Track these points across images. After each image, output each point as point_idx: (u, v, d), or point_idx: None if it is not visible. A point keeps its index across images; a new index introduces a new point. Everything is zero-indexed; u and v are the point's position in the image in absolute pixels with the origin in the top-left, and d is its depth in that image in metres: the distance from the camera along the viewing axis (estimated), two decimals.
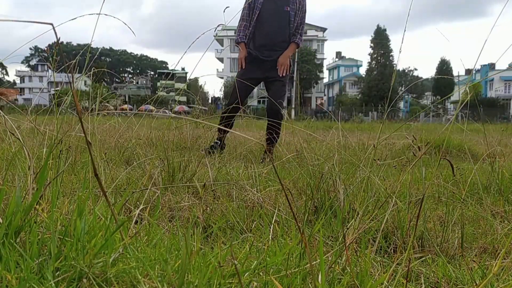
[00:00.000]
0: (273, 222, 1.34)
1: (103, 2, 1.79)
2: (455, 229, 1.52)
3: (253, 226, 1.44)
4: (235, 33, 3.97)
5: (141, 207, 1.01)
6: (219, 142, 3.90)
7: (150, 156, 3.34)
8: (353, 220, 1.31)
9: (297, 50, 4.11)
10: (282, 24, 3.75)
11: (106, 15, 1.62)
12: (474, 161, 4.18)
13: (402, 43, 1.99)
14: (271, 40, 3.77)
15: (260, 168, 2.30)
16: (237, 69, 3.92)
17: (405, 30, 1.76)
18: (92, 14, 1.57)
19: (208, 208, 1.65)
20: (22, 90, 72.42)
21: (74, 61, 2.70)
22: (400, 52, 1.82)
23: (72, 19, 1.62)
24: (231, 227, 1.47)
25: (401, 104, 48.96)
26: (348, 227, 1.22)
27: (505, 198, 2.05)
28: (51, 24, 0.61)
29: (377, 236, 1.23)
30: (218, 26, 1.75)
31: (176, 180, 2.27)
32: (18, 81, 74.90)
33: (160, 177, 2.27)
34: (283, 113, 3.95)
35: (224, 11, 1.78)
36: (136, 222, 1.39)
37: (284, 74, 3.82)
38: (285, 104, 4.22)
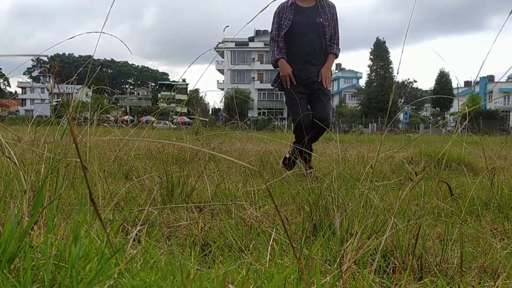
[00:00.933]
0: (271, 241, 1.34)
1: (107, 16, 1.81)
2: (454, 248, 1.51)
3: (251, 245, 1.44)
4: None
5: (138, 228, 1.00)
6: (294, 158, 3.61)
7: (149, 170, 3.34)
8: (351, 239, 1.30)
9: None
10: (317, 36, 3.64)
11: (104, 33, 1.64)
12: (473, 174, 4.18)
13: (400, 63, 2.00)
14: (309, 53, 3.64)
15: (258, 186, 2.29)
16: (283, 86, 3.68)
17: (403, 50, 1.78)
18: (90, 32, 1.59)
19: (206, 225, 1.64)
20: (23, 101, 72.78)
21: (74, 77, 2.72)
22: (398, 72, 1.84)
23: (71, 38, 1.63)
24: (229, 246, 1.46)
25: (401, 116, 49.09)
26: (346, 247, 1.22)
27: (505, 215, 2.04)
28: (46, 55, 0.61)
29: (376, 256, 1.22)
30: (219, 43, 1.76)
31: (175, 196, 2.26)
32: (20, 92, 75.30)
33: (158, 193, 2.27)
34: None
35: (224, 30, 1.80)
36: (133, 240, 1.39)
37: (329, 87, 3.70)
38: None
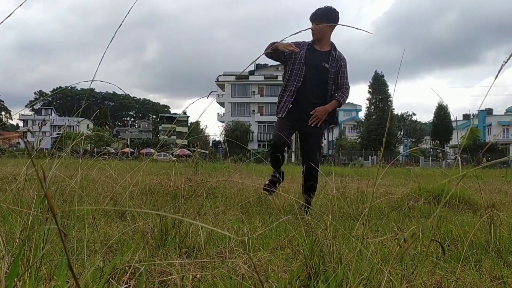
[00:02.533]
0: None
1: (103, 54, 1.84)
2: None
3: None
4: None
5: (123, 287, 0.97)
6: (276, 180, 3.87)
7: (144, 208, 3.30)
8: None
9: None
10: (319, 80, 3.68)
11: (101, 81, 1.66)
12: (473, 212, 4.13)
13: (393, 97, 2.02)
14: (305, 92, 3.68)
15: (252, 233, 2.26)
16: (290, 53, 3.69)
17: (396, 83, 1.80)
18: (87, 81, 1.61)
19: (198, 274, 1.60)
20: (25, 133, 73.22)
21: (77, 113, 2.75)
22: (392, 107, 1.86)
23: (71, 85, 1.65)
24: None
25: (401, 148, 49.14)
26: None
27: (504, 261, 2.00)
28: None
29: None
30: (212, 93, 1.79)
31: (169, 240, 2.23)
32: (21, 124, 75.92)
33: (152, 236, 2.24)
34: (318, 165, 3.84)
35: (217, 79, 1.83)
36: None
37: (313, 125, 3.69)
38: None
